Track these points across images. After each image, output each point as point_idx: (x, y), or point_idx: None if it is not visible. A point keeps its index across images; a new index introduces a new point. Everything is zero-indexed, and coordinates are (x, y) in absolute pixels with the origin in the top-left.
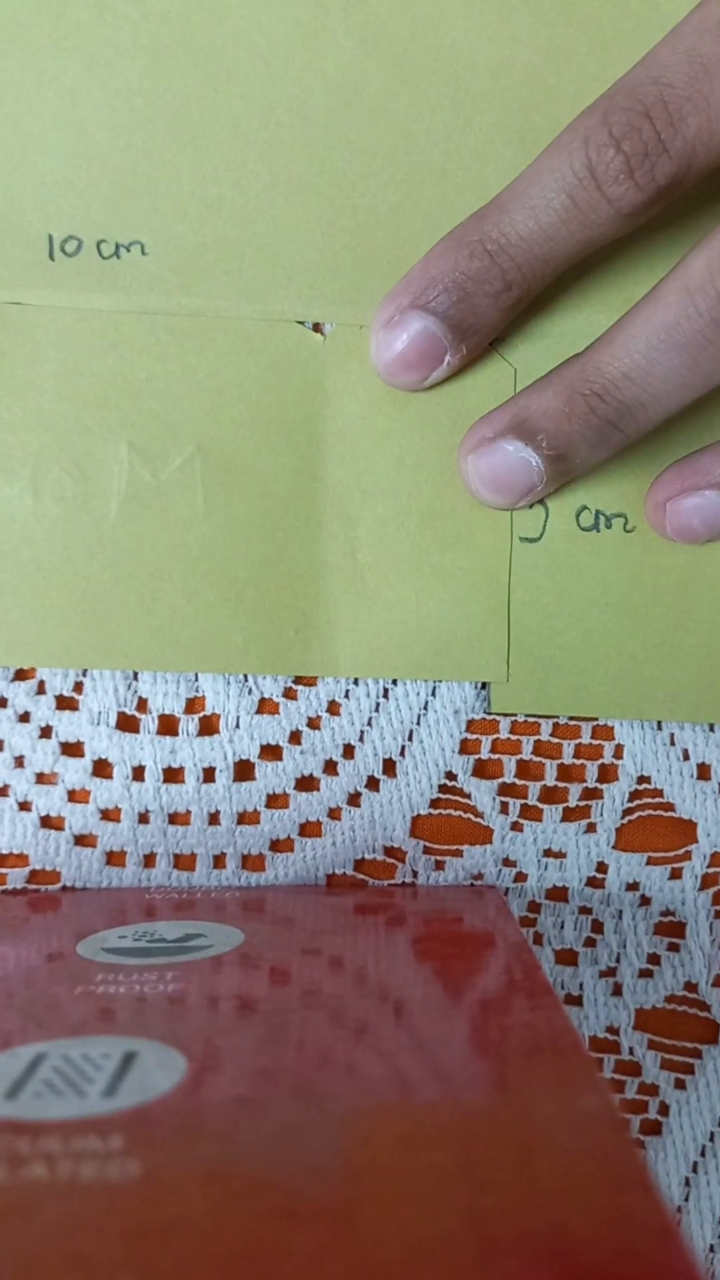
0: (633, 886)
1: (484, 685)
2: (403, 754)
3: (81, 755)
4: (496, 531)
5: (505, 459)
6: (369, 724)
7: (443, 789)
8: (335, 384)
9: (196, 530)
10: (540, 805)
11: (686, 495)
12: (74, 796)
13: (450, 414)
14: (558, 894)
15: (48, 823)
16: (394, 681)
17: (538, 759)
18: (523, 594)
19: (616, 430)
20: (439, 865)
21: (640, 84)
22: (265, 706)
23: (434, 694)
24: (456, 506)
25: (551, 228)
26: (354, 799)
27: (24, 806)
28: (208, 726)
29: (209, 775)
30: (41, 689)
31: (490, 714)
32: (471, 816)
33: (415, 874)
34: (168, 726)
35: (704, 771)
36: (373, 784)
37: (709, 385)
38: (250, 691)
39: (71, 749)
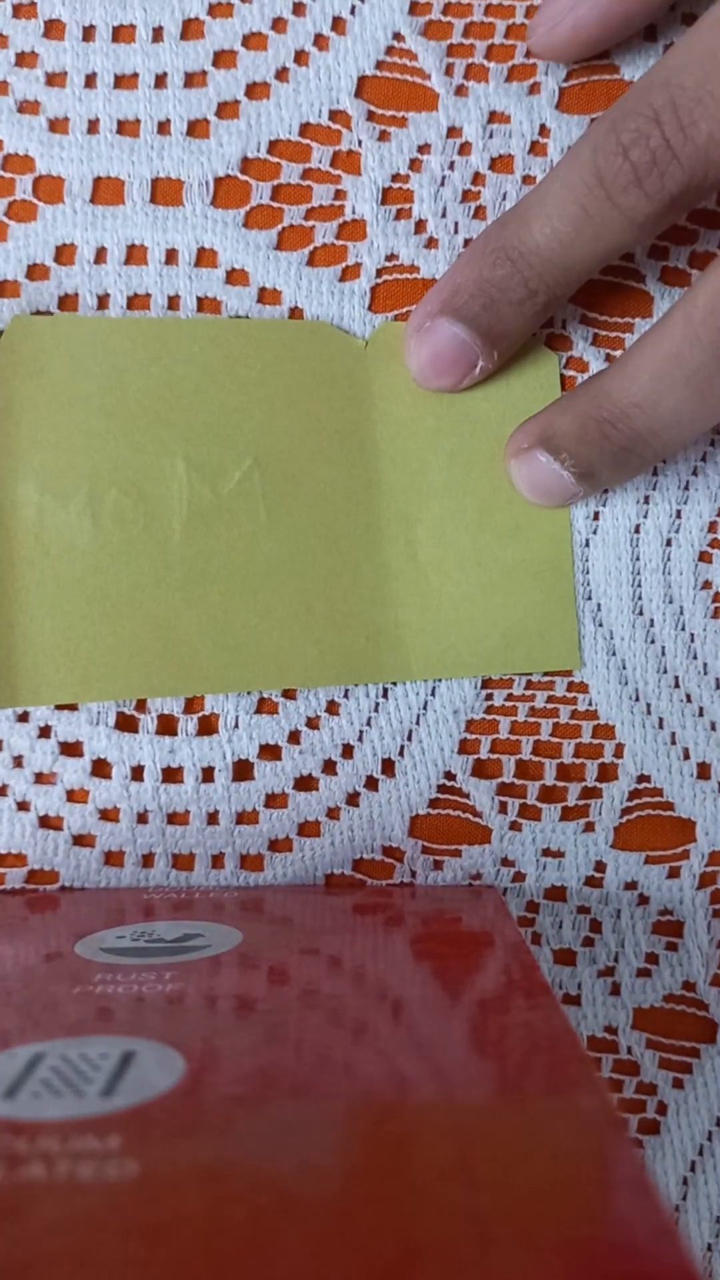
0: (631, 886)
1: (484, 684)
2: (402, 754)
3: (80, 755)
4: (556, 520)
5: (540, 469)
6: (368, 724)
7: (441, 789)
8: (380, 387)
9: (262, 545)
10: (539, 805)
11: None
12: (73, 796)
13: (498, 408)
14: (556, 893)
15: (46, 822)
16: (394, 680)
17: (537, 759)
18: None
19: (633, 454)
20: (437, 865)
21: (652, 87)
22: (264, 706)
23: (433, 694)
24: (512, 499)
25: (567, 237)
26: (353, 799)
27: (22, 806)
28: (207, 726)
29: (208, 775)
30: None
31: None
32: (470, 816)
33: (414, 874)
34: (167, 726)
35: (704, 771)
36: (371, 784)
37: (718, 417)
38: (249, 691)
39: (70, 749)
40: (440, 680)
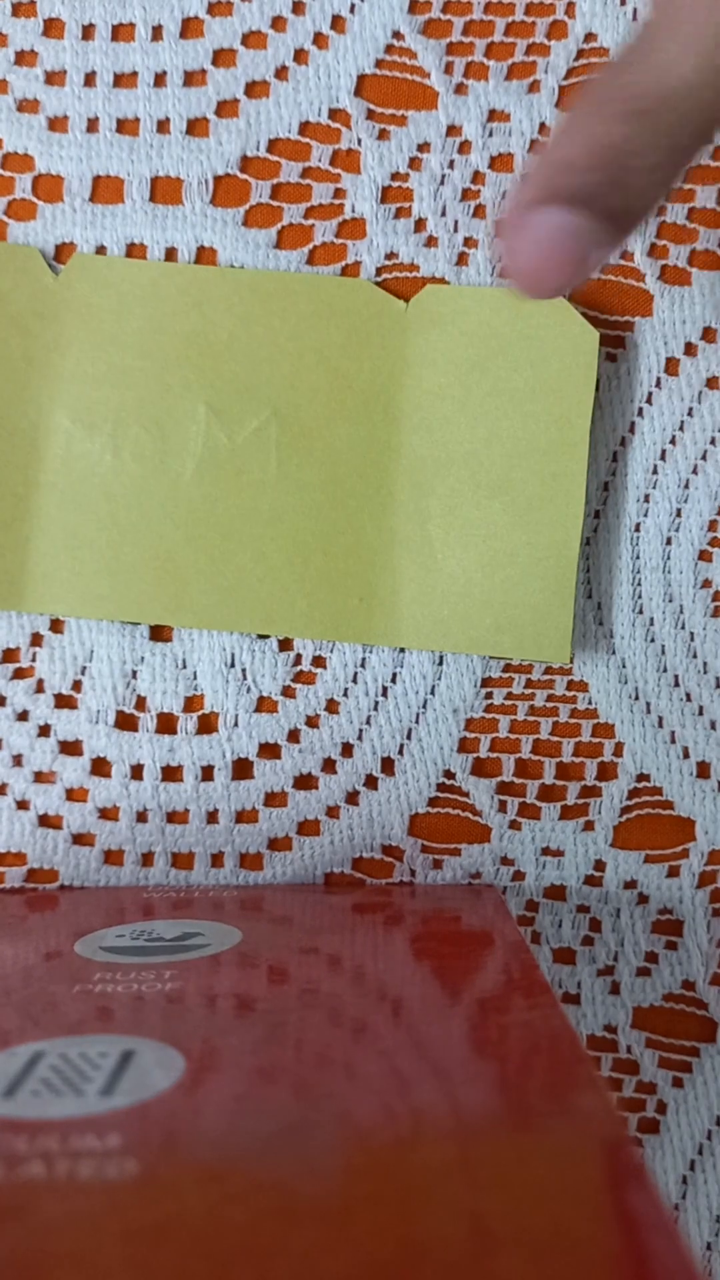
0: (630, 885)
1: (482, 682)
2: (401, 753)
3: (80, 754)
4: (569, 508)
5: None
6: (367, 722)
7: (441, 788)
8: (416, 352)
9: (268, 495)
10: (538, 803)
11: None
12: (72, 795)
13: (530, 384)
14: (555, 892)
15: (46, 821)
16: (393, 679)
17: (536, 758)
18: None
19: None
20: (437, 864)
21: None
22: (264, 705)
23: (433, 693)
24: (529, 477)
25: (714, 68)
26: (352, 798)
27: (22, 805)
28: (206, 725)
29: (207, 774)
30: (40, 688)
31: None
32: (470, 815)
33: (413, 873)
34: (166, 725)
35: (703, 769)
36: (371, 782)
37: None
38: (249, 690)
39: (70, 748)
40: (440, 679)
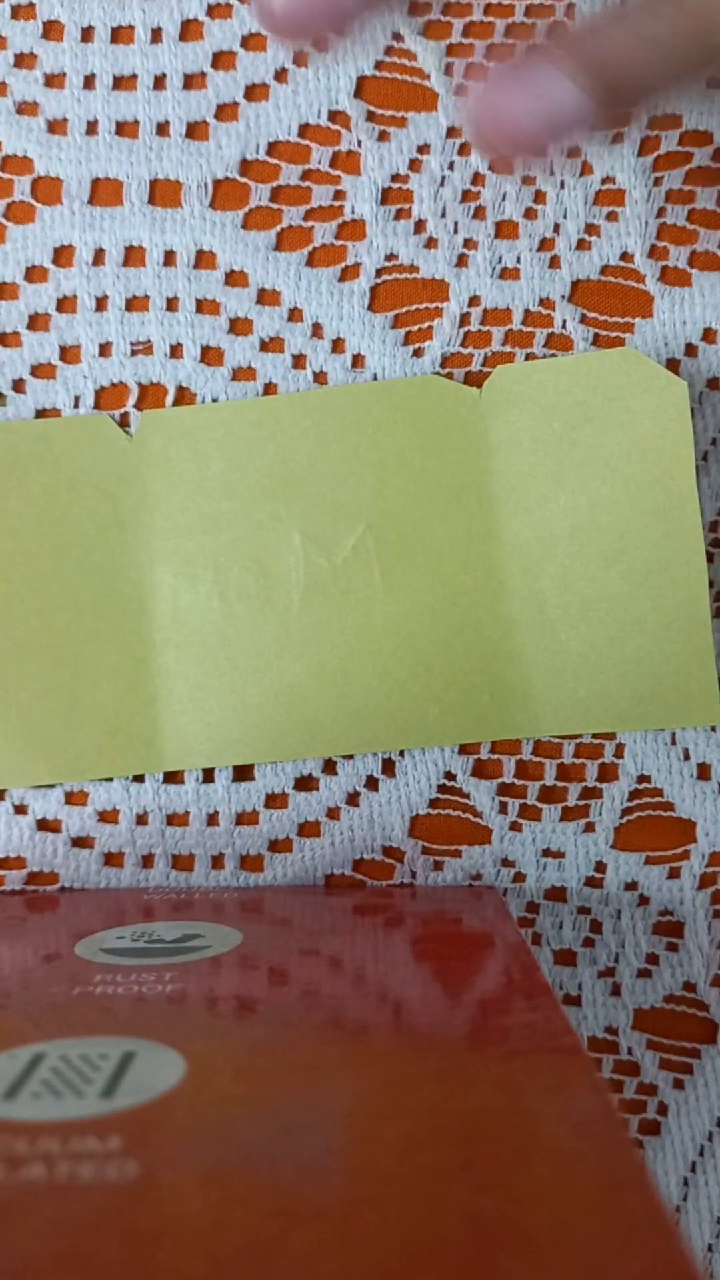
0: (631, 886)
1: None
2: (402, 754)
3: None
4: (690, 563)
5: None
6: None
7: (442, 789)
8: (497, 435)
9: (378, 608)
10: (539, 805)
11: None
12: (71, 799)
13: (623, 446)
14: (556, 894)
15: (45, 825)
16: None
17: (537, 759)
18: None
19: None
20: (438, 865)
21: None
22: None
23: None
24: (641, 542)
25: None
26: (353, 799)
27: (20, 809)
28: None
29: (208, 776)
30: None
31: None
32: (470, 816)
33: (414, 874)
34: None
35: (704, 771)
36: (372, 784)
37: None
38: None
39: None
40: None
